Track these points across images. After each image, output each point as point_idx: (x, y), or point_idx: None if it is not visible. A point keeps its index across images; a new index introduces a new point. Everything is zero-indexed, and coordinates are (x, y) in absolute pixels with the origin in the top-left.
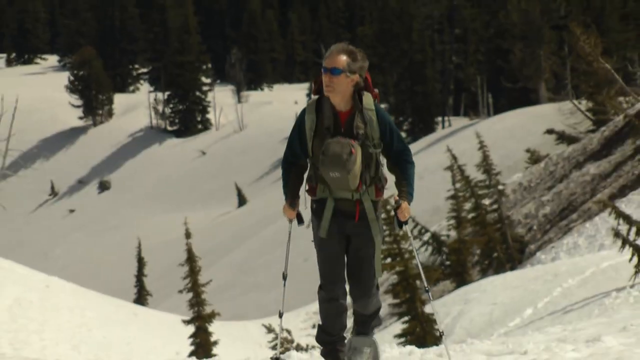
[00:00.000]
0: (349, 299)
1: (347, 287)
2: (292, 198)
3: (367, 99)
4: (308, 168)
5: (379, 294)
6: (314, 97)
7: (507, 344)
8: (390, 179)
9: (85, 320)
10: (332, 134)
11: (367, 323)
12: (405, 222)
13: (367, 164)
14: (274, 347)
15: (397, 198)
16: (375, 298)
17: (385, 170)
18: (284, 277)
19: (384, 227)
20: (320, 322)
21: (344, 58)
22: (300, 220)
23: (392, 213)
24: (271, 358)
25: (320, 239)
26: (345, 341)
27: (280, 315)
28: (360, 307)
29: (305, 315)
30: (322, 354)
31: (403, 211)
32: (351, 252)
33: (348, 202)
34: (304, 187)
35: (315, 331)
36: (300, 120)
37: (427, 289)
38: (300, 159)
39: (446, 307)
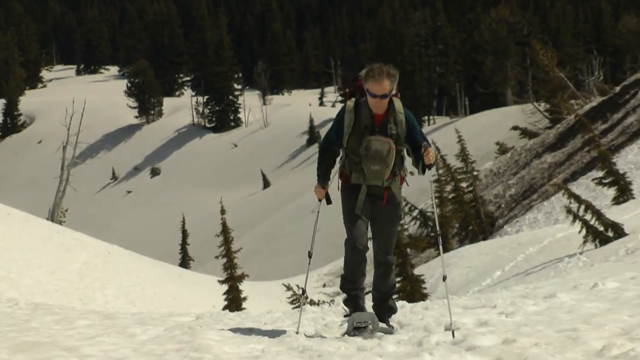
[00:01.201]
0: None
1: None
2: (323, 181)
3: (398, 104)
4: (342, 158)
5: (394, 273)
6: (353, 99)
7: (480, 299)
8: (410, 168)
9: (139, 280)
10: (369, 132)
11: (385, 303)
12: (430, 167)
13: (397, 159)
14: (292, 302)
15: (425, 143)
16: (393, 272)
17: (407, 163)
18: (309, 256)
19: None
20: (344, 273)
21: (387, 83)
22: (328, 200)
23: (419, 162)
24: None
25: (353, 214)
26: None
27: (303, 292)
28: (380, 277)
29: (317, 277)
30: (345, 301)
31: (429, 154)
32: (378, 225)
33: (378, 188)
34: (334, 172)
35: (325, 289)
36: (340, 117)
37: (438, 233)
38: (334, 146)
39: (431, 269)
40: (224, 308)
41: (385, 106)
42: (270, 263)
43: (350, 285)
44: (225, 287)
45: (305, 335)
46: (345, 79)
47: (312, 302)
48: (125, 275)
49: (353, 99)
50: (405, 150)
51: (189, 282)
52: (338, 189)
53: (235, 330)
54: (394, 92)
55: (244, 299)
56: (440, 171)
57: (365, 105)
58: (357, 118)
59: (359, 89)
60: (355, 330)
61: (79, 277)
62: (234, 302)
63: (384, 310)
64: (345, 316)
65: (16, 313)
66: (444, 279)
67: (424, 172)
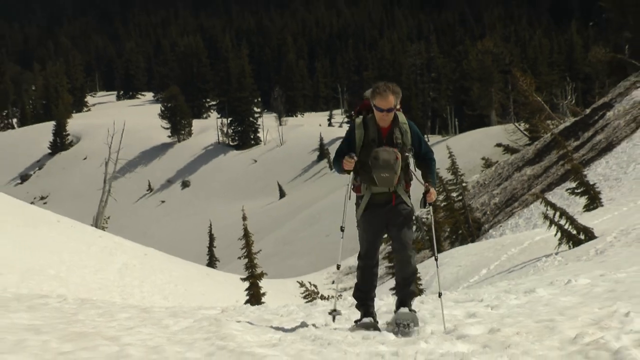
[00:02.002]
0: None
1: (390, 250)
2: (352, 155)
3: (401, 117)
4: (352, 172)
5: (414, 258)
6: (359, 116)
7: (469, 294)
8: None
9: (172, 279)
10: (377, 144)
11: (406, 288)
12: (431, 203)
13: (402, 166)
14: (305, 297)
15: (427, 184)
16: (413, 258)
17: (411, 168)
18: (342, 230)
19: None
20: (357, 283)
21: (392, 98)
22: (354, 176)
23: (422, 196)
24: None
25: (364, 224)
26: (389, 318)
27: (338, 267)
28: (400, 265)
29: (327, 274)
30: (357, 306)
31: (431, 194)
32: (393, 225)
33: (385, 194)
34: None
35: (334, 285)
36: (350, 133)
37: (436, 257)
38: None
39: (426, 268)
40: (246, 302)
41: (391, 119)
42: (286, 263)
43: (363, 295)
44: (246, 284)
45: (315, 326)
46: (351, 103)
47: (322, 297)
48: (160, 274)
49: (361, 116)
50: (410, 158)
51: (215, 280)
52: (349, 198)
53: (255, 321)
54: (398, 106)
55: (263, 294)
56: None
57: (372, 121)
58: (365, 132)
59: (365, 107)
60: (398, 326)
61: (119, 276)
62: (255, 297)
63: (407, 295)
64: (356, 321)
65: (65, 307)
66: (440, 295)
67: (424, 207)
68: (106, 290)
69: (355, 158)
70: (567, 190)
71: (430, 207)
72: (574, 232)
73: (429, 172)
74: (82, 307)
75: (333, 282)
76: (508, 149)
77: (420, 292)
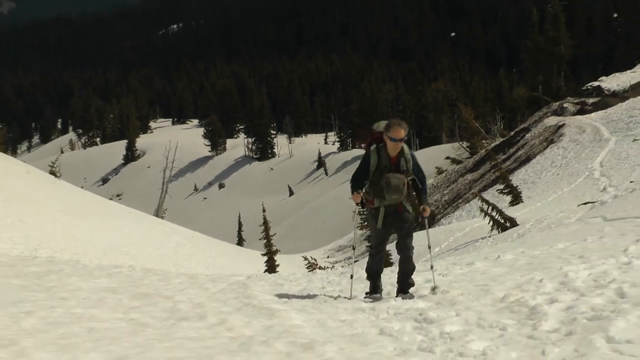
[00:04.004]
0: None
1: (392, 249)
2: (358, 191)
3: (406, 148)
4: (366, 187)
5: (413, 259)
6: (374, 146)
7: (426, 265)
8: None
9: (212, 254)
10: (388, 170)
11: (406, 280)
12: (425, 218)
13: (407, 186)
14: (307, 267)
15: (423, 206)
16: (412, 259)
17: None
18: (353, 248)
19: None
20: (368, 267)
21: (403, 131)
22: (363, 205)
23: (419, 213)
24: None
25: (377, 229)
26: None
27: (352, 277)
28: (403, 262)
29: (324, 251)
30: (368, 279)
31: (426, 211)
32: (398, 229)
33: (394, 206)
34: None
35: (328, 259)
36: (366, 159)
37: (432, 266)
38: (361, 179)
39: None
40: (265, 271)
41: (400, 148)
42: (294, 243)
43: (371, 277)
44: (265, 258)
45: (314, 288)
46: (341, 127)
47: (320, 267)
48: (203, 251)
49: (374, 146)
50: (411, 180)
51: (243, 255)
52: (358, 209)
53: (271, 285)
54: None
55: (277, 265)
56: None
57: (383, 150)
58: (378, 160)
59: (376, 139)
60: (404, 297)
61: (173, 252)
62: (271, 267)
63: (407, 285)
64: (366, 293)
65: (134, 275)
66: (432, 267)
67: (420, 220)
68: (164, 262)
69: (362, 193)
70: (497, 190)
71: (426, 220)
72: (502, 221)
73: (423, 192)
74: (146, 274)
75: (328, 257)
76: (454, 161)
77: (391, 264)
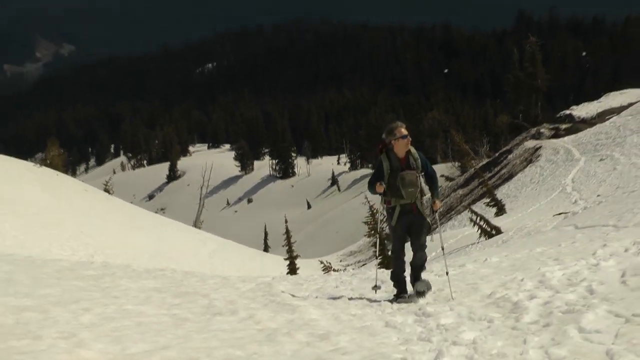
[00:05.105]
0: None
1: (409, 246)
2: (380, 182)
3: (412, 149)
4: (385, 187)
5: (426, 252)
6: (383, 153)
7: (439, 263)
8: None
9: (241, 259)
10: (400, 169)
11: (419, 271)
12: (436, 211)
13: (420, 181)
14: (323, 270)
15: (434, 199)
16: (425, 253)
17: (422, 184)
18: (376, 257)
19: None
20: (393, 270)
21: (404, 129)
22: (385, 194)
23: (430, 206)
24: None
25: (394, 228)
26: (411, 288)
27: (378, 288)
28: (417, 258)
29: (337, 256)
30: (394, 285)
31: (436, 204)
32: (414, 228)
33: (408, 205)
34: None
35: (341, 263)
36: (379, 166)
37: (447, 272)
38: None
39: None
40: (287, 273)
41: (408, 146)
42: (312, 249)
43: (397, 278)
44: (287, 262)
45: (329, 288)
46: (352, 150)
47: (334, 270)
48: (234, 256)
49: (384, 152)
50: (421, 177)
51: (268, 259)
52: (381, 207)
53: (293, 284)
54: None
55: (298, 268)
56: None
57: (392, 153)
58: (390, 163)
59: (385, 146)
60: (418, 294)
61: (209, 257)
62: (292, 270)
63: (419, 273)
64: (395, 295)
65: (175, 277)
66: (447, 273)
67: (434, 213)
68: (201, 266)
69: (384, 184)
70: (484, 203)
71: (436, 214)
72: (489, 229)
73: (434, 187)
74: (186, 276)
75: (341, 261)
76: (448, 178)
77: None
